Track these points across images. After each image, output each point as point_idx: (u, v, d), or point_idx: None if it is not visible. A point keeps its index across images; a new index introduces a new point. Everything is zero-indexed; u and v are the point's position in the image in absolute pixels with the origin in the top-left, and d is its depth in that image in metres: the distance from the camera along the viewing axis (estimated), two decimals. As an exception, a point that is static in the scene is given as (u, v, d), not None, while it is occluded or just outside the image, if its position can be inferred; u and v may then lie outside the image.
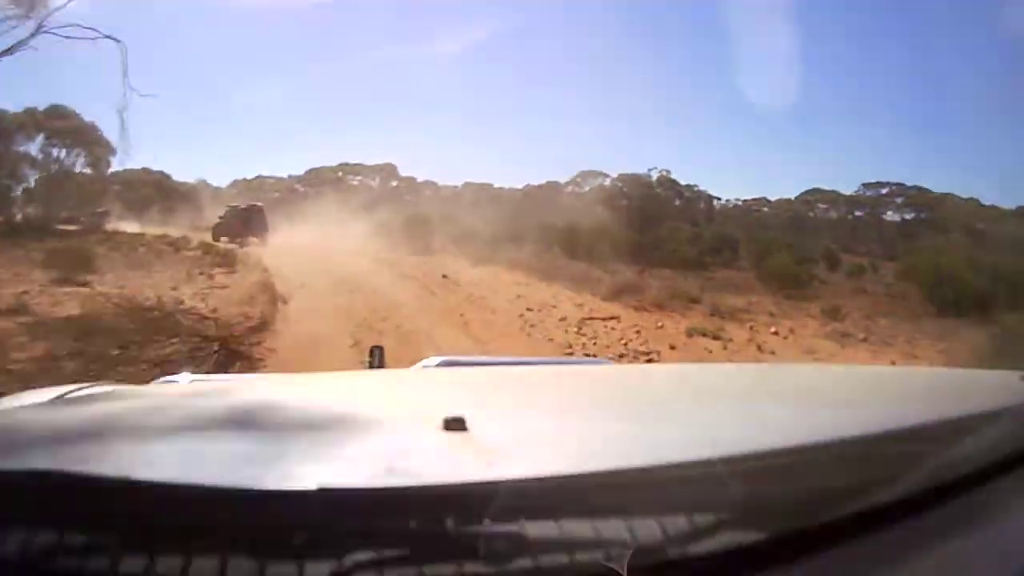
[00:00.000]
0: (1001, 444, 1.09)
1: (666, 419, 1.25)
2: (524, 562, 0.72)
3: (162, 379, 2.86)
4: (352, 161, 49.28)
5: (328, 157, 50.57)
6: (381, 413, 1.28)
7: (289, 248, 28.13)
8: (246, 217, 31.50)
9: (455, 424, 0.97)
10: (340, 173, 50.18)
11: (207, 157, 64.09)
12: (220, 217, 32.50)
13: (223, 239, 29.53)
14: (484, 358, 3.82)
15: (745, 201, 40.83)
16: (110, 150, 34.17)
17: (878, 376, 2.15)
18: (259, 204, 34.23)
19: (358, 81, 54.74)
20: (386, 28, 53.93)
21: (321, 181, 50.24)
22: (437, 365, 3.05)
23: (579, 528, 0.75)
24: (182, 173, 47.42)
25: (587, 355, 13.63)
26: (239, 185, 50.41)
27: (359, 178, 50.49)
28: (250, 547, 0.71)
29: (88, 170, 34.91)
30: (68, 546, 0.73)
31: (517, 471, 0.80)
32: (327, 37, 55.62)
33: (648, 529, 0.77)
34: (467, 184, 45.44)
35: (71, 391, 1.53)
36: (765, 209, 40.44)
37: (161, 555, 0.71)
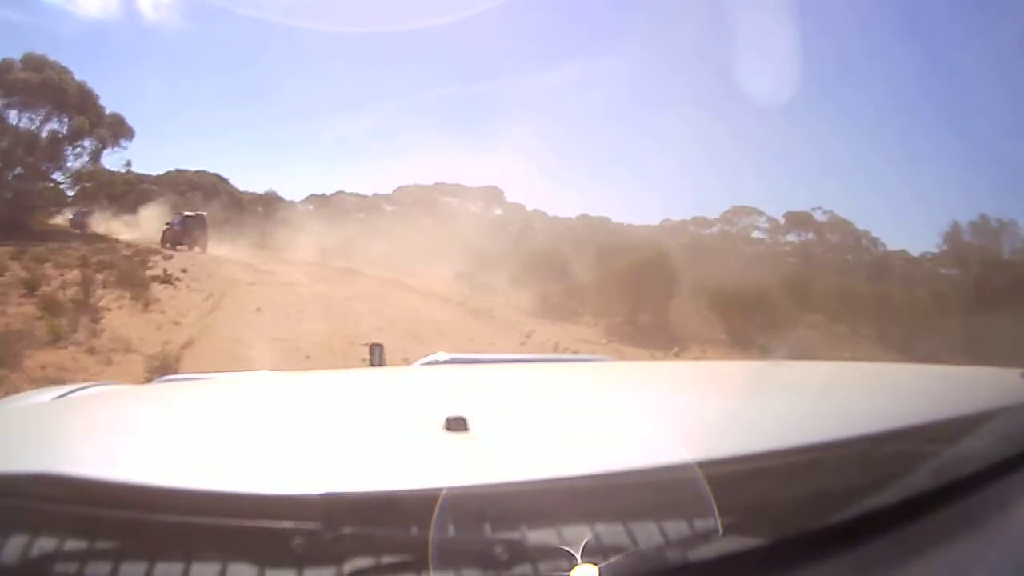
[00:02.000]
0: (1002, 443, 1.06)
1: (666, 418, 1.22)
2: (524, 568, 0.71)
3: (162, 378, 2.78)
4: (450, 181, 46.06)
5: (420, 175, 47.55)
6: (382, 413, 1.29)
7: (351, 284, 25.44)
8: (189, 226, 32.27)
9: (456, 424, 0.94)
10: (436, 194, 46.58)
11: (281, 168, 64.72)
12: (167, 224, 32.97)
13: (167, 245, 30.33)
14: (485, 355, 3.22)
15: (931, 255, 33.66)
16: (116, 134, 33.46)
17: (878, 374, 1.95)
18: (202, 213, 34.60)
19: (464, 102, 54.71)
20: (505, 51, 52.67)
21: (412, 201, 46.94)
22: (438, 363, 2.73)
23: (579, 534, 0.73)
24: (249, 182, 48.61)
25: None
26: (315, 200, 48.44)
27: (457, 200, 46.73)
28: (250, 552, 0.70)
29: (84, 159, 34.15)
30: (68, 551, 0.72)
31: (517, 475, 0.78)
32: (426, 60, 56.08)
33: (649, 533, 0.75)
34: (583, 216, 41.36)
35: (72, 390, 1.56)
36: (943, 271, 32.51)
37: (161, 560, 0.70)
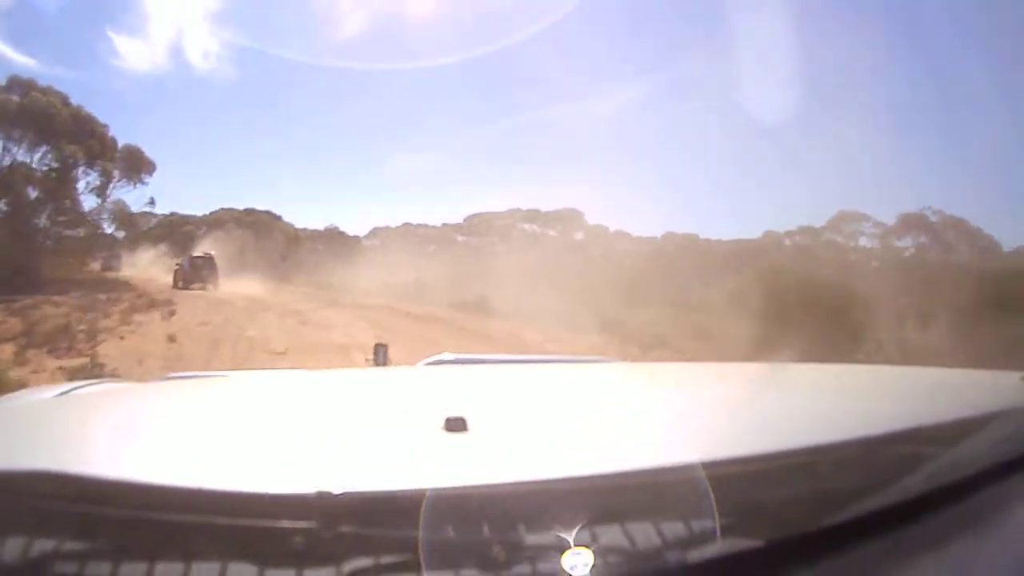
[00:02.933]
0: (1002, 446, 1.06)
1: (666, 420, 1.22)
2: (523, 568, 0.71)
3: (164, 377, 2.55)
4: (524, 207, 42.72)
5: (492, 203, 44.56)
6: (383, 412, 1.29)
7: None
8: (198, 266, 32.02)
9: (456, 424, 0.95)
10: (511, 220, 43.17)
11: (342, 204, 62.17)
12: (177, 264, 32.73)
13: (179, 285, 30.11)
14: (487, 356, 3.05)
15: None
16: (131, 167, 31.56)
17: (878, 376, 1.93)
18: (211, 253, 34.07)
19: (530, 129, 49.21)
20: (567, 73, 46.26)
21: (486, 229, 44.10)
22: (440, 363, 2.65)
23: (579, 533, 0.73)
24: (308, 219, 46.19)
25: None
26: (380, 234, 46.60)
27: (532, 226, 43.20)
28: (250, 551, 0.71)
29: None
30: (68, 549, 0.73)
31: (516, 475, 0.78)
32: (484, 89, 53.34)
33: (647, 534, 0.75)
34: (668, 235, 37.93)
35: (74, 387, 1.56)
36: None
37: (161, 558, 0.71)
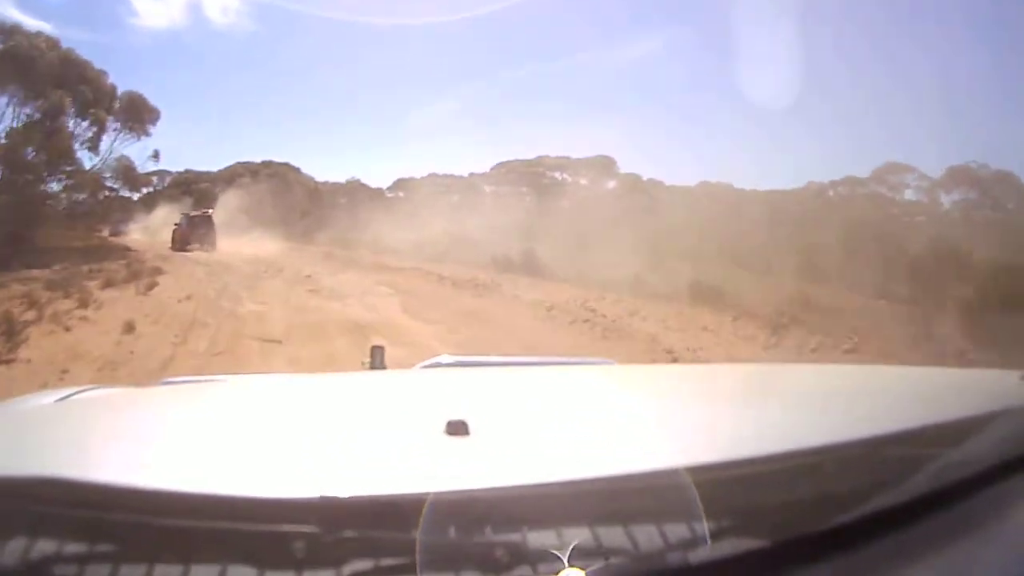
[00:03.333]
0: (1002, 445, 1.06)
1: (668, 422, 1.22)
2: (524, 571, 0.71)
3: (163, 380, 2.42)
4: (553, 154, 40.65)
5: (519, 150, 42.93)
6: (382, 416, 1.28)
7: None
8: (195, 224, 30.50)
9: (457, 428, 0.95)
10: (540, 168, 41.11)
11: (365, 156, 61.24)
12: (175, 224, 31.21)
13: (175, 247, 29.03)
14: (486, 358, 2.93)
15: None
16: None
17: (877, 376, 1.88)
18: (208, 211, 32.43)
19: (559, 76, 48.11)
20: (593, 21, 48.38)
21: (515, 178, 41.66)
22: (438, 365, 2.57)
23: (580, 536, 0.73)
24: (329, 172, 44.54)
25: None
26: (404, 185, 44.25)
27: (563, 174, 41.13)
28: (250, 556, 0.70)
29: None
30: (68, 554, 0.73)
31: (518, 478, 0.79)
32: (510, 38, 51.51)
33: (649, 536, 0.75)
34: (703, 183, 35.06)
35: (73, 393, 1.51)
36: None
37: (160, 563, 0.71)
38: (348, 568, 0.69)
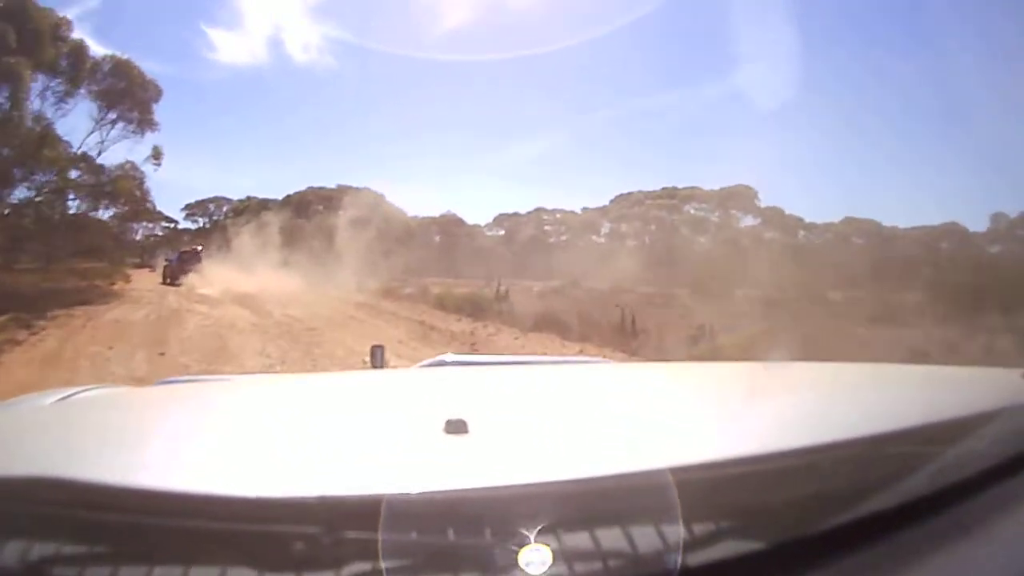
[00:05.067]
0: (1003, 444, 1.05)
1: (665, 421, 1.21)
2: (522, 573, 0.70)
3: (162, 380, 2.40)
4: (681, 185, 36.97)
5: (640, 181, 40.02)
6: (382, 415, 1.28)
7: None
8: (185, 260, 30.50)
9: (456, 427, 0.94)
10: (667, 201, 36.65)
11: (461, 191, 55.02)
12: (166, 260, 31.92)
13: (167, 281, 28.85)
14: (485, 357, 3.55)
15: None
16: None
17: (878, 375, 1.83)
18: (198, 248, 32.50)
19: (678, 107, 44.70)
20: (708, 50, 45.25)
21: (634, 213, 37.49)
22: (438, 365, 2.54)
23: (579, 536, 0.73)
24: (420, 205, 42.00)
25: None
26: (505, 221, 40.89)
27: (693, 207, 36.75)
28: (250, 555, 0.70)
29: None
30: (67, 554, 0.74)
31: (518, 477, 0.78)
32: (622, 69, 45.15)
33: (648, 537, 0.75)
34: (848, 220, 32.69)
35: (74, 393, 1.49)
36: None
37: (160, 563, 0.70)
38: (347, 568, 0.67)
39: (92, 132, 22.40)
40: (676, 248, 31.53)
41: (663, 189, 35.85)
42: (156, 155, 23.58)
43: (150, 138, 23.73)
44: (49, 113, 21.31)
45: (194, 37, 47.21)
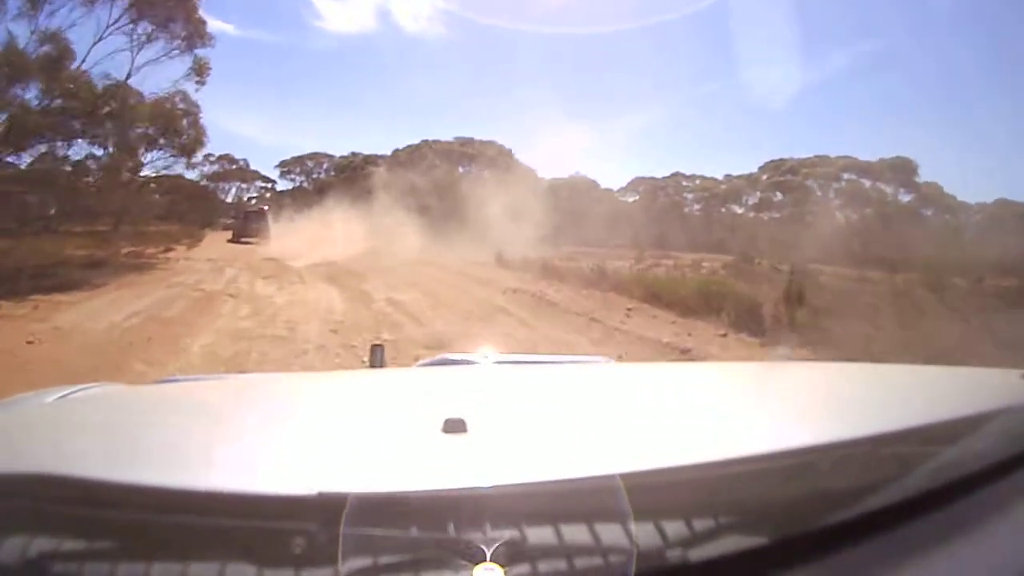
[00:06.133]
0: (1003, 444, 1.01)
1: (665, 420, 1.15)
2: (523, 569, 0.66)
3: (162, 379, 2.22)
4: (832, 152, 31.18)
5: (785, 147, 36.64)
6: (381, 414, 1.23)
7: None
8: (251, 219, 28.44)
9: (455, 426, 0.90)
10: (819, 169, 30.10)
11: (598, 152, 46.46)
12: (232, 219, 30.34)
13: (233, 240, 27.16)
14: (483, 356, 2.39)
15: None
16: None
17: (877, 375, 1.70)
18: (264, 208, 30.40)
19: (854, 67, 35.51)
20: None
21: (787, 182, 30.79)
22: (437, 364, 2.37)
23: (578, 534, 0.69)
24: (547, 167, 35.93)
25: None
26: (643, 184, 34.51)
27: (861, 179, 29.85)
28: (248, 552, 0.66)
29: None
30: (67, 551, 0.69)
31: (516, 476, 0.74)
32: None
33: (648, 534, 0.70)
34: (1001, 201, 26.79)
35: (74, 391, 1.38)
36: None
37: (159, 560, 0.66)
38: (346, 565, 0.64)
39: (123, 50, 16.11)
40: (836, 222, 27.06)
41: (816, 156, 30.84)
42: (200, 69, 17.19)
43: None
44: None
45: (300, 6, 45.18)
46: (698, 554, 0.69)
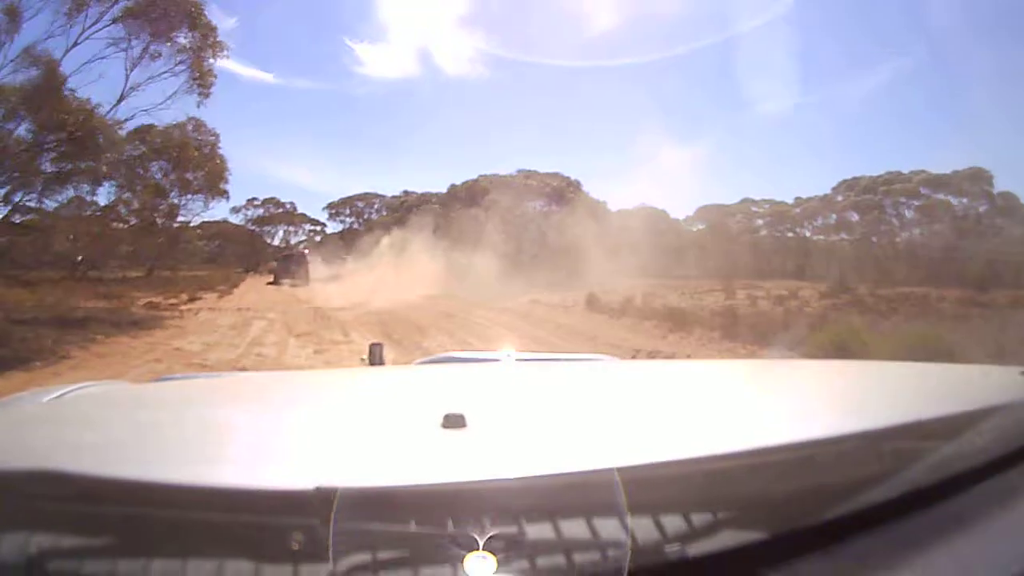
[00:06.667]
0: (1002, 439, 0.98)
1: (664, 416, 1.12)
2: (522, 563, 0.65)
3: (160, 377, 2.08)
4: (904, 168, 28.68)
5: (860, 165, 33.01)
6: (381, 410, 1.21)
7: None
8: (290, 261, 27.32)
9: (454, 421, 0.89)
10: (897, 185, 27.69)
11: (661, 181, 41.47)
12: (275, 262, 28.52)
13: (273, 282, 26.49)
14: (483, 354, 2.38)
15: None
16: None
17: (878, 372, 1.66)
18: (304, 251, 30.07)
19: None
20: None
21: (864, 201, 27.95)
22: (436, 361, 2.32)
23: (576, 528, 0.68)
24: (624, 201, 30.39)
25: None
26: (709, 213, 31.01)
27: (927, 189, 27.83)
28: (248, 547, 0.65)
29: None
30: (65, 546, 0.69)
31: (515, 471, 0.72)
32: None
33: (646, 528, 0.68)
34: None
35: (71, 390, 1.34)
36: None
37: (158, 555, 0.65)
38: (345, 559, 0.62)
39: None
40: (915, 239, 25.84)
41: (888, 173, 28.79)
42: (203, 80, 14.29)
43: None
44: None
45: (340, 53, 45.18)
46: (696, 548, 0.68)
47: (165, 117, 17.51)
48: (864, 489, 0.80)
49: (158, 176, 17.65)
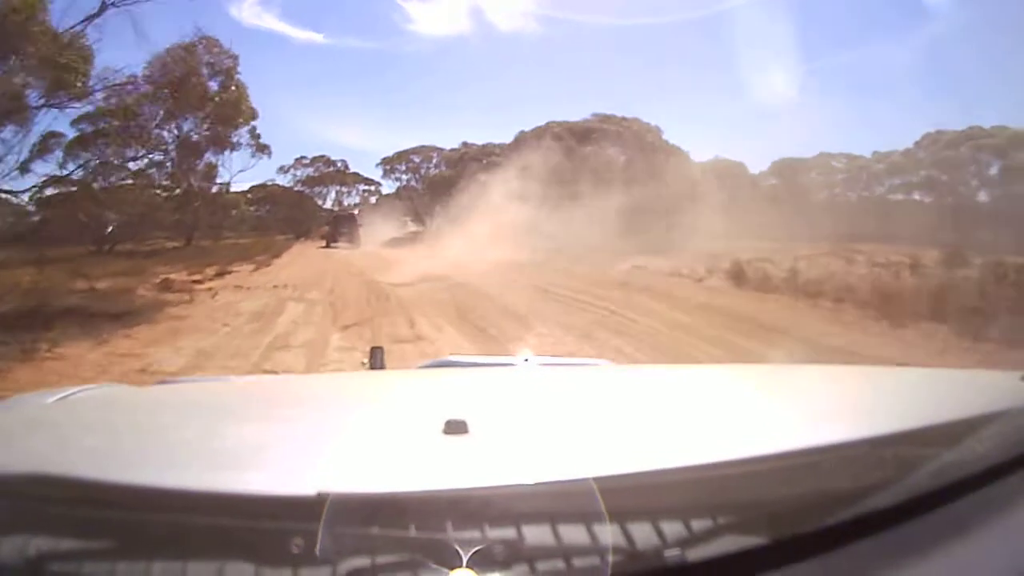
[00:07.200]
0: (1002, 446, 0.98)
1: (665, 422, 1.12)
2: (522, 569, 0.65)
3: (162, 380, 2.14)
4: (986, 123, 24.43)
5: (925, 120, 27.21)
6: (382, 415, 1.20)
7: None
8: (340, 223, 26.31)
9: (456, 427, 0.89)
10: (992, 140, 23.94)
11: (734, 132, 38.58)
12: (327, 224, 27.51)
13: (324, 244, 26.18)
14: (484, 358, 2.89)
15: None
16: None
17: (878, 377, 1.64)
18: (353, 212, 28.55)
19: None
20: None
21: (952, 157, 24.39)
22: (437, 366, 2.30)
23: (577, 534, 0.68)
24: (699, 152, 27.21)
25: None
26: (783, 167, 27.38)
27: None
28: (247, 552, 0.65)
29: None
30: (66, 550, 0.69)
31: (516, 477, 0.73)
32: None
33: (646, 534, 0.69)
34: None
35: (73, 392, 1.34)
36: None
37: (158, 560, 0.65)
38: (345, 565, 0.63)
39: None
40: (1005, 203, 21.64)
41: (970, 128, 24.92)
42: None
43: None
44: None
45: (390, 11, 42.97)
46: (696, 554, 0.68)
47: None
48: (864, 495, 0.79)
49: (187, 128, 14.86)
